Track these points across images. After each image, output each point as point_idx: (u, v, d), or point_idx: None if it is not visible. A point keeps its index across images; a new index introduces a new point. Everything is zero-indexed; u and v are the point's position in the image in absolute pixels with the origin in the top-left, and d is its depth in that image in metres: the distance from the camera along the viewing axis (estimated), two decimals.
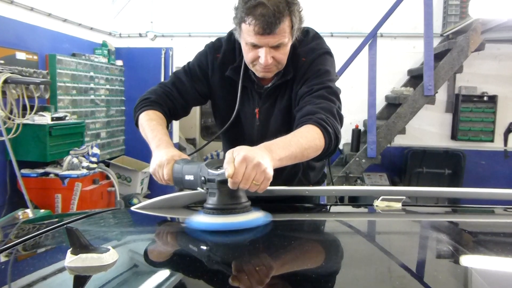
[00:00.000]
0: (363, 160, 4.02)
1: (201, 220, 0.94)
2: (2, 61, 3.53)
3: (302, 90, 1.34)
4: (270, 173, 0.96)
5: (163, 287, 0.69)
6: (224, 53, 1.45)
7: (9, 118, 3.25)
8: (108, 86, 5.05)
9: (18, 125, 3.32)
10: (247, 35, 1.25)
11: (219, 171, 0.95)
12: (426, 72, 3.79)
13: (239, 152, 0.95)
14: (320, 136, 1.18)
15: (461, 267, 0.79)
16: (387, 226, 1.15)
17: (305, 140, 1.14)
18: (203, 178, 0.99)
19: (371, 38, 3.85)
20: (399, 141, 5.01)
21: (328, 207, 1.55)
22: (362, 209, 1.43)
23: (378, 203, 1.21)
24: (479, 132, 4.87)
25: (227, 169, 0.92)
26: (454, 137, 4.96)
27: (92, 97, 4.73)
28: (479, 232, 1.08)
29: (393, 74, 5.01)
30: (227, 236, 0.91)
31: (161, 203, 1.24)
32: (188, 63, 1.52)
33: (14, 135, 3.30)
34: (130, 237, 1.04)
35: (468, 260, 0.80)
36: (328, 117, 1.22)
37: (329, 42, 4.68)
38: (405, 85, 4.88)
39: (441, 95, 4.92)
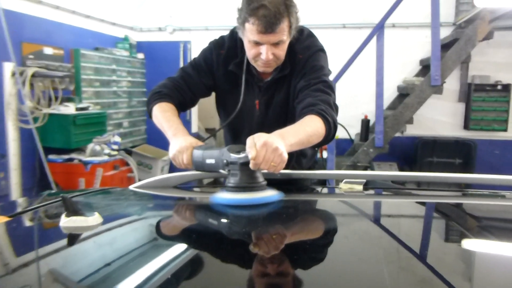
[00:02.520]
0: (371, 150, 4.13)
1: (225, 196, 1.09)
2: (31, 56, 3.84)
3: (300, 84, 1.49)
4: (286, 156, 1.12)
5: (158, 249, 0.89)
6: (227, 49, 1.59)
7: (37, 108, 3.55)
8: (130, 78, 5.33)
9: (45, 114, 3.62)
10: (250, 34, 1.39)
11: (241, 155, 1.10)
12: (433, 62, 3.84)
13: (260, 138, 1.10)
14: (322, 125, 1.34)
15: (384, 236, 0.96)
16: (346, 204, 1.31)
17: (310, 129, 1.31)
18: (225, 161, 1.13)
19: (379, 30, 3.92)
20: (411, 130, 5.07)
21: (314, 188, 1.70)
22: (331, 190, 1.58)
23: (342, 185, 1.36)
24: (491, 122, 4.86)
25: (250, 153, 1.07)
26: (466, 126, 4.97)
27: (115, 88, 5.01)
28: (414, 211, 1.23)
29: (405, 64, 5.05)
30: (247, 209, 1.07)
31: (156, 183, 1.43)
32: (194, 58, 1.67)
33: (41, 124, 3.61)
34: (119, 206, 1.25)
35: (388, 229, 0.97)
36: (327, 108, 1.38)
37: (341, 34, 4.83)
38: (417, 75, 4.92)
39: (454, 85, 4.93)
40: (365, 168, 4.30)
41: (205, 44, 1.67)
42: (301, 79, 1.50)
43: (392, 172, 1.46)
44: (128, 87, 5.30)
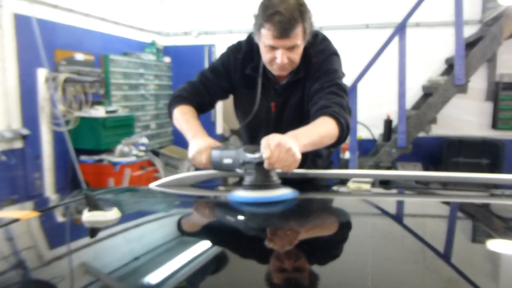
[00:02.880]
0: (393, 150, 4.11)
1: (241, 194, 1.15)
2: (63, 62, 4.05)
3: (314, 87, 1.55)
4: (298, 156, 1.17)
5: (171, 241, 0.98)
6: (244, 53, 1.67)
7: (69, 112, 3.75)
8: (156, 82, 5.50)
9: (77, 117, 3.81)
10: (265, 39, 1.45)
11: (256, 155, 1.17)
12: (457, 61, 3.79)
13: (274, 139, 1.15)
14: (335, 126, 1.39)
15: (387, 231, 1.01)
16: (353, 202, 1.36)
17: (323, 130, 1.36)
18: (241, 161, 1.20)
19: (400, 30, 3.90)
20: (437, 130, 5.00)
21: (328, 187, 1.75)
22: (339, 189, 1.63)
23: (350, 184, 1.41)
24: None
25: (265, 153, 1.13)
26: (494, 126, 4.85)
27: (142, 92, 5.19)
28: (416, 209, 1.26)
29: (430, 63, 4.99)
30: (262, 207, 1.14)
31: (174, 182, 1.53)
32: (213, 63, 1.76)
33: (73, 127, 3.80)
34: (138, 202, 1.34)
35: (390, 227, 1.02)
36: (340, 110, 1.43)
37: (365, 34, 4.84)
38: (443, 74, 4.85)
39: (481, 84, 4.83)
40: (388, 169, 4.28)
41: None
42: (315, 82, 1.55)
43: (399, 172, 1.49)
44: (155, 90, 5.47)
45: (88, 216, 1.01)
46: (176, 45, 5.89)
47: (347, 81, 4.07)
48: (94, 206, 1.04)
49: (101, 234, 0.98)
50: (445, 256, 0.81)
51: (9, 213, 1.18)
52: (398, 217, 1.17)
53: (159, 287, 0.68)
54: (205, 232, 1.04)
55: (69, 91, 3.72)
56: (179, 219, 1.14)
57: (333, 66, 1.57)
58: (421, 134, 4.99)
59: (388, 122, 4.44)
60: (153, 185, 1.51)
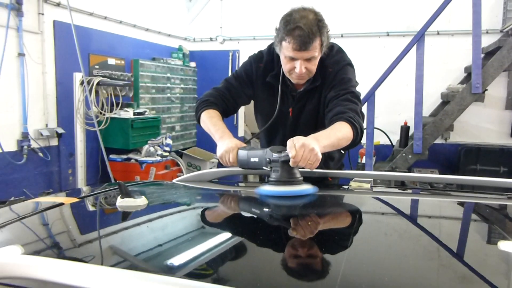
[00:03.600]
0: (410, 156, 4.20)
1: (268, 188, 1.29)
2: (97, 66, 4.34)
3: (330, 95, 1.70)
4: (320, 156, 1.31)
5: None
6: (265, 63, 1.82)
7: (101, 113, 4.02)
8: (182, 85, 5.75)
9: (107, 118, 4.08)
10: (286, 51, 1.59)
11: (282, 154, 1.30)
12: (474, 70, 3.85)
13: (298, 140, 1.29)
14: (350, 130, 1.54)
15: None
16: (354, 198, 1.51)
17: (340, 133, 1.50)
18: (268, 159, 1.33)
19: (419, 39, 4.00)
20: (455, 138, 5.05)
21: (337, 185, 1.90)
22: (343, 187, 1.78)
23: (352, 183, 1.56)
24: None
25: (291, 152, 1.26)
26: None
27: (169, 95, 5.45)
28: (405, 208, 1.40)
29: (450, 71, 5.05)
30: (287, 200, 1.25)
31: (194, 178, 1.71)
32: (236, 71, 1.92)
33: (104, 127, 4.07)
34: (162, 192, 1.54)
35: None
36: (355, 116, 1.58)
37: (385, 41, 4.92)
38: (462, 82, 4.90)
39: (501, 92, 4.85)
40: None
41: (252, 53, 1.88)
42: (331, 90, 1.70)
43: (397, 173, 1.64)
44: (180, 94, 5.72)
45: (121, 202, 1.20)
46: (202, 50, 6.13)
47: (368, 87, 4.17)
48: (126, 194, 1.23)
49: (131, 217, 1.17)
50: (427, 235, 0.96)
51: (55, 198, 1.39)
52: (389, 210, 1.32)
53: (197, 260, 0.84)
54: (239, 220, 1.18)
55: (101, 93, 3.99)
56: (212, 208, 1.31)
57: (347, 76, 1.72)
58: (440, 141, 5.05)
59: (405, 129, 4.53)
60: (176, 180, 1.70)
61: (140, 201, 1.22)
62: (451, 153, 5.06)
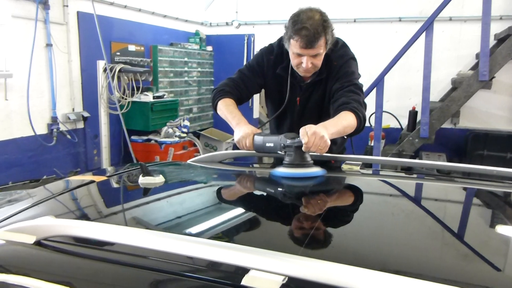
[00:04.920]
0: (416, 140, 4.34)
1: (283, 170, 1.45)
2: (118, 53, 4.59)
3: (335, 86, 1.88)
4: (329, 142, 1.50)
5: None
6: (275, 56, 1.95)
7: (123, 97, 4.29)
8: (199, 69, 5.96)
9: (129, 102, 4.35)
10: (293, 47, 1.76)
11: (295, 140, 1.47)
12: (482, 57, 3.93)
13: (310, 128, 1.46)
14: (354, 119, 1.73)
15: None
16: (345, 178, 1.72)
17: (345, 122, 1.68)
18: (283, 144, 1.50)
19: (428, 25, 4.07)
20: (464, 123, 5.15)
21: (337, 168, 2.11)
22: (338, 169, 1.98)
23: (344, 166, 1.77)
24: None
25: (304, 139, 1.43)
26: None
27: (186, 78, 5.68)
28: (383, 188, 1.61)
29: (461, 57, 5.10)
30: (299, 181, 1.42)
31: (206, 159, 1.94)
32: (249, 62, 2.10)
33: (126, 110, 4.35)
34: (178, 172, 1.78)
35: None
36: (358, 106, 1.77)
37: (397, 27, 4.97)
38: (473, 68, 4.95)
39: (510, 79, 4.90)
40: (410, 157, 4.52)
41: (267, 37, 2.06)
42: (336, 82, 1.87)
43: (386, 158, 1.84)
44: (197, 77, 5.94)
45: (142, 180, 1.45)
46: (218, 35, 6.30)
47: (379, 72, 4.22)
48: (146, 173, 1.47)
49: (151, 193, 1.42)
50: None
51: (86, 177, 1.65)
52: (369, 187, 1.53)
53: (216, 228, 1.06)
54: (247, 198, 1.38)
55: (123, 79, 4.25)
56: (227, 187, 1.52)
57: (351, 69, 1.89)
58: (449, 126, 5.16)
59: (413, 113, 4.65)
60: (190, 161, 1.93)
61: (159, 179, 1.46)
62: (459, 138, 5.17)
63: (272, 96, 2.07)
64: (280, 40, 1.95)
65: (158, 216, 1.18)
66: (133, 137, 4.64)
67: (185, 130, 4.95)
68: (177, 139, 4.70)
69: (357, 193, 1.43)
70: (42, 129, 3.82)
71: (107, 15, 4.44)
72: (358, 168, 1.72)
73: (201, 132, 5.97)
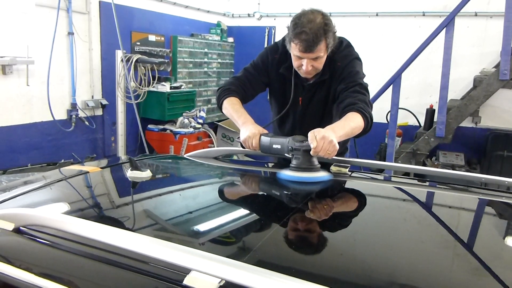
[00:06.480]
0: (432, 139, 4.26)
1: (289, 174, 1.46)
2: (138, 43, 4.70)
3: (340, 87, 1.87)
4: (337, 146, 1.49)
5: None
6: (280, 54, 1.95)
7: (139, 88, 4.41)
8: (219, 60, 6.01)
9: (145, 92, 4.46)
10: (294, 50, 1.77)
11: (304, 144, 1.46)
12: (503, 56, 3.80)
13: (319, 132, 1.46)
14: (362, 120, 1.72)
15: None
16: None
17: (353, 123, 1.67)
18: (290, 147, 1.49)
19: (449, 21, 3.96)
20: (486, 122, 5.00)
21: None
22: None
23: (332, 167, 1.79)
24: None
25: (312, 143, 1.43)
26: None
27: (205, 69, 5.75)
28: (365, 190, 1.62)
29: (485, 55, 4.93)
30: (306, 185, 1.45)
31: (201, 154, 1.99)
32: (254, 61, 2.09)
33: (142, 100, 4.47)
34: (169, 166, 1.85)
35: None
36: (365, 106, 1.76)
37: (421, 22, 4.87)
38: (497, 66, 4.78)
39: None
40: (426, 156, 4.44)
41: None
42: (341, 82, 1.86)
43: (374, 161, 1.85)
44: (217, 68, 5.99)
45: (130, 173, 1.52)
46: (240, 26, 6.32)
47: (396, 68, 4.11)
48: (135, 167, 1.55)
49: (138, 186, 1.49)
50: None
51: (82, 167, 1.74)
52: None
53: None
54: (248, 198, 1.43)
55: (140, 69, 4.36)
56: (219, 184, 1.59)
57: (355, 69, 1.88)
58: (470, 124, 5.03)
59: (430, 112, 4.55)
60: (187, 155, 1.99)
61: (145, 174, 1.53)
62: (479, 137, 5.02)
63: (276, 95, 2.09)
64: (284, 40, 1.96)
65: (130, 211, 1.25)
66: (149, 126, 4.76)
67: (200, 121, 5.02)
68: (192, 129, 4.79)
69: (357, 200, 1.43)
70: (61, 115, 3.98)
71: (129, 5, 4.54)
72: (346, 170, 1.74)
73: (219, 123, 6.04)
